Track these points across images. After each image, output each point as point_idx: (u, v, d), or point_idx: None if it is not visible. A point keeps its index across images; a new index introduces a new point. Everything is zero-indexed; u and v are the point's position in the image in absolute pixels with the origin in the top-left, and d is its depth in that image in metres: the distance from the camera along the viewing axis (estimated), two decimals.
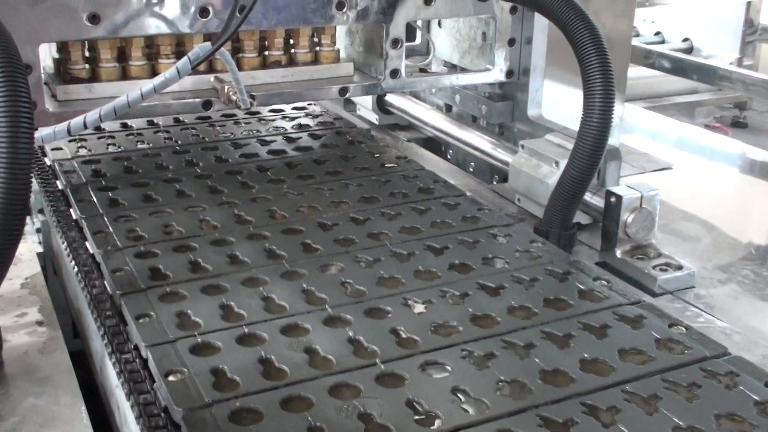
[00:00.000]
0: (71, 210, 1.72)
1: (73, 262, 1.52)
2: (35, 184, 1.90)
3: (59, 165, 1.93)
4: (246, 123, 2.31)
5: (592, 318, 1.31)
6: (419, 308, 1.36)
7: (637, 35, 4.78)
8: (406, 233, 1.61)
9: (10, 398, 1.23)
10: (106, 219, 1.64)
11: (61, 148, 2.04)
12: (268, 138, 2.17)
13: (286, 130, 2.24)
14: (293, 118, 2.35)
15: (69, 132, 1.57)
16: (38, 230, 1.92)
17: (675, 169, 2.29)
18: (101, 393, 1.44)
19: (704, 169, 2.45)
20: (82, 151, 2.04)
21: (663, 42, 4.64)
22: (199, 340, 1.23)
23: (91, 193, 1.76)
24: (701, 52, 4.47)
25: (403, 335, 1.26)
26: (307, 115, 2.39)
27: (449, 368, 1.18)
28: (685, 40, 4.59)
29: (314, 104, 2.48)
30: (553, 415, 1.08)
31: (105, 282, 1.43)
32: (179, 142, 2.12)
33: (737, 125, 4.95)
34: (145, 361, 1.20)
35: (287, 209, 1.71)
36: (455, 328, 1.28)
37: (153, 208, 1.70)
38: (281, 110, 2.42)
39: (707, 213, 1.98)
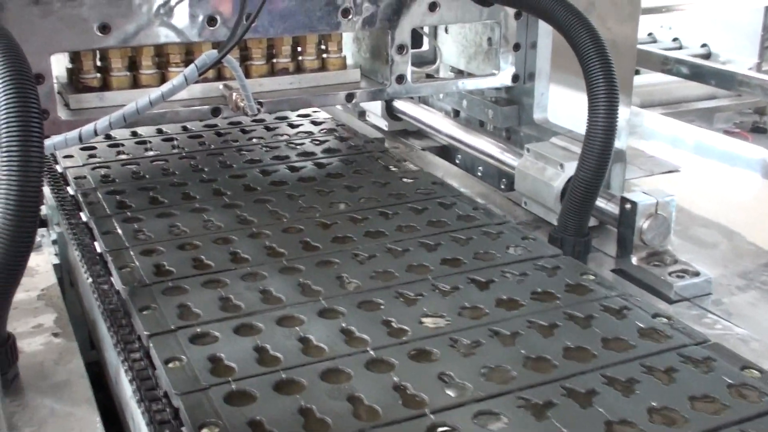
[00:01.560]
0: (95, 243, 1.68)
1: (87, 274, 1.53)
2: (52, 198, 1.94)
3: (83, 196, 1.86)
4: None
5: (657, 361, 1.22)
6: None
7: (655, 41, 4.77)
8: (448, 265, 1.52)
9: (25, 409, 1.25)
10: (132, 252, 1.57)
11: (84, 177, 1.99)
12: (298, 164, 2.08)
13: (315, 155, 2.15)
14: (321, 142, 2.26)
15: (80, 139, 1.59)
16: (54, 242, 1.94)
17: (684, 172, 2.29)
18: (117, 405, 1.44)
19: (715, 172, 2.44)
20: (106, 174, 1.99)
21: (680, 48, 4.63)
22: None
23: (115, 224, 1.69)
24: (719, 58, 4.46)
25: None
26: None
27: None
28: (703, 45, 4.58)
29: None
30: None
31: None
32: (206, 169, 2.03)
33: (757, 130, 4.92)
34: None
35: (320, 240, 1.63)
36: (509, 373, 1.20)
37: (176, 236, 1.65)
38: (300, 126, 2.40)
39: (720, 216, 1.96)
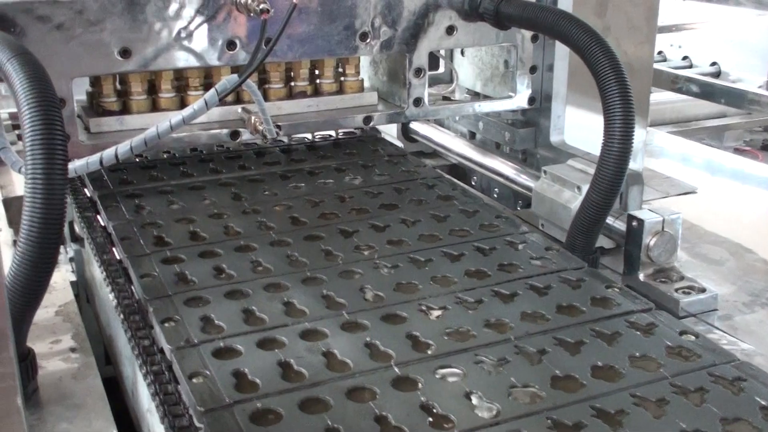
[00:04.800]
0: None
1: (111, 293, 1.52)
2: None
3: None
4: None
5: None
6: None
7: (665, 60, 4.77)
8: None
9: (44, 424, 1.26)
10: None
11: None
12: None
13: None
14: None
15: (101, 163, 1.62)
16: (71, 259, 1.96)
17: (700, 193, 2.29)
18: (133, 419, 1.47)
19: (732, 193, 2.43)
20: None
21: (690, 66, 4.63)
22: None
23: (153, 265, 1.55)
24: (729, 76, 4.45)
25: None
26: None
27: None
28: (713, 64, 4.57)
29: None
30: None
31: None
32: (245, 196, 1.89)
33: (767, 148, 4.89)
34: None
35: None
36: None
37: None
38: None
39: (734, 236, 1.97)
